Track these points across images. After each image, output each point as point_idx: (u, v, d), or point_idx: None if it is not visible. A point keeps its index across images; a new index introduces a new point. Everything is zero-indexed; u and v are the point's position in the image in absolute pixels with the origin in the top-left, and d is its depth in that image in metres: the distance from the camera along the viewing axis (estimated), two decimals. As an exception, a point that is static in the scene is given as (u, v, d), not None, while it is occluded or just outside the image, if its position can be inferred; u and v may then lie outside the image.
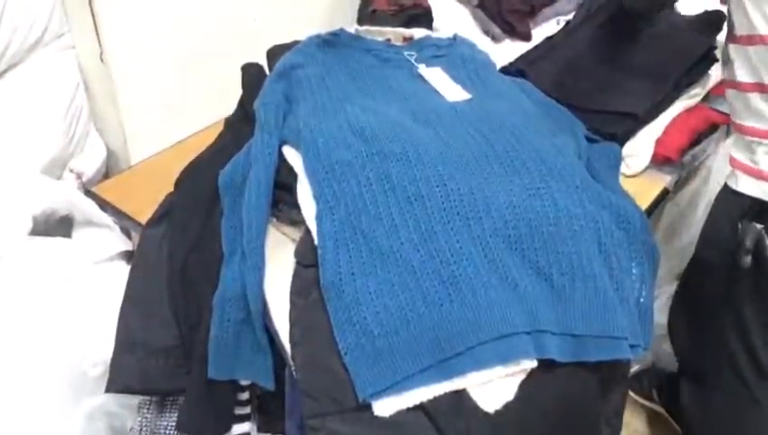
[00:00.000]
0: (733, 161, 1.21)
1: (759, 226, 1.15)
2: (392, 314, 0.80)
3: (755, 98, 1.14)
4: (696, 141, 1.39)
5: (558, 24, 1.64)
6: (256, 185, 0.98)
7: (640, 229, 0.98)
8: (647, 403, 1.72)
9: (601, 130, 1.23)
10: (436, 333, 0.79)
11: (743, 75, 1.16)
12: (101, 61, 1.35)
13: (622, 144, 1.27)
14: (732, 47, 1.18)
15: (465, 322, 0.79)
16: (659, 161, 1.33)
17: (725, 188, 1.23)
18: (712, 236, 1.29)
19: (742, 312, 1.24)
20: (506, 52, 1.53)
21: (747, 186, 1.16)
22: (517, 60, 1.45)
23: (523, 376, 0.80)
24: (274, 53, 1.27)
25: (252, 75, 1.25)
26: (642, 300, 0.92)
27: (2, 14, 1.23)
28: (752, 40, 1.12)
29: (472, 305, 0.80)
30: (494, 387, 0.79)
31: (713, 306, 1.30)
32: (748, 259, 1.16)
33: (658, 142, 1.32)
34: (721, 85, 1.34)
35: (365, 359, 0.79)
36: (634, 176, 1.32)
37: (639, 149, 1.30)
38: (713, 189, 1.53)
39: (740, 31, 1.14)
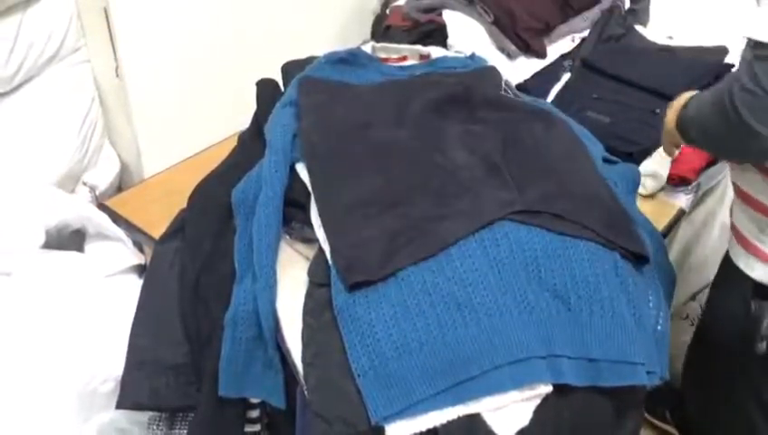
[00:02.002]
0: (738, 236, 1.06)
1: None
2: (406, 337, 0.80)
3: None
4: (712, 162, 1.37)
5: (573, 41, 1.63)
6: (265, 206, 0.98)
7: (657, 254, 0.97)
8: (659, 424, 1.70)
9: (618, 149, 1.23)
10: (451, 356, 0.78)
11: None
12: (117, 75, 1.35)
13: (638, 163, 1.26)
14: None
15: (479, 345, 0.79)
16: (676, 182, 1.32)
17: (734, 267, 1.07)
18: (722, 316, 1.16)
19: (760, 389, 1.15)
20: (521, 69, 1.52)
21: (764, 274, 1.02)
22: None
23: (538, 401, 0.79)
24: (290, 69, 1.28)
25: (266, 91, 1.25)
26: (659, 327, 0.91)
27: (19, 28, 1.24)
28: None
29: (487, 329, 0.80)
30: (508, 412, 0.78)
31: (728, 381, 1.21)
32: (764, 345, 1.05)
33: (675, 163, 1.31)
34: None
35: (378, 381, 0.78)
36: (650, 196, 1.31)
37: (656, 169, 1.29)
38: (728, 209, 1.52)
39: None
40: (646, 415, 1.68)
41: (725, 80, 0.92)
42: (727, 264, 1.10)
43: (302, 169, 1.03)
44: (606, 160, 1.13)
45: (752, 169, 1.00)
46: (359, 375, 0.79)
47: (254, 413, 1.00)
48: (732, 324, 1.10)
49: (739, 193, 1.05)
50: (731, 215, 1.10)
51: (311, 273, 0.94)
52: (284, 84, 1.26)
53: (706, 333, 1.25)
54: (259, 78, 1.28)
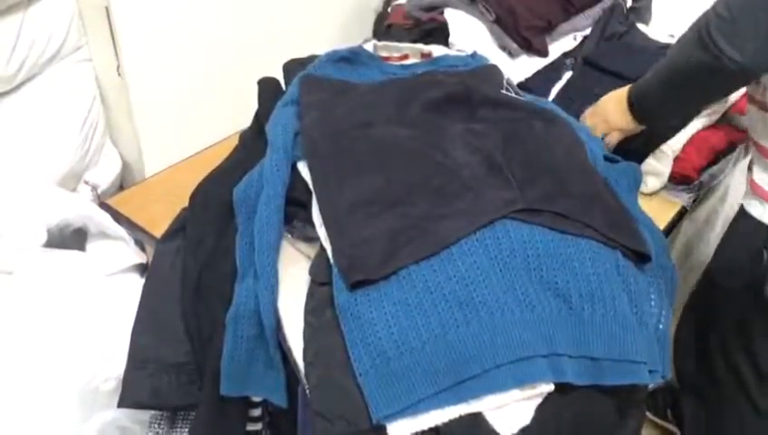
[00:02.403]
0: (755, 187, 1.14)
1: None
2: (407, 336, 0.80)
3: None
4: (714, 160, 1.37)
5: (575, 39, 1.63)
6: (267, 205, 0.97)
7: (659, 252, 0.97)
8: (661, 422, 1.70)
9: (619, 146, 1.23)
10: (452, 355, 0.78)
11: None
12: (118, 74, 1.35)
13: (640, 162, 1.26)
14: None
15: (481, 344, 0.79)
16: (678, 180, 1.32)
17: (746, 214, 1.16)
18: (731, 264, 1.23)
19: (753, 338, 1.21)
20: (523, 67, 1.52)
21: None
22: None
23: (539, 400, 0.79)
24: (291, 68, 1.27)
25: (268, 90, 1.25)
26: (661, 326, 0.91)
27: (21, 26, 1.24)
28: None
29: (488, 327, 0.80)
30: (510, 411, 0.78)
31: (723, 329, 1.28)
32: None
33: (677, 161, 1.31)
34: (741, 102, 1.33)
35: (380, 380, 0.78)
36: (652, 194, 1.31)
37: (658, 167, 1.29)
38: (730, 207, 1.52)
39: None
40: (647, 413, 1.68)
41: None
42: (741, 217, 1.18)
43: (303, 168, 1.03)
44: (607, 159, 1.13)
45: None
46: (360, 374, 0.79)
47: (256, 412, 1.01)
48: (740, 273, 1.16)
49: (759, 149, 1.14)
50: (749, 171, 1.17)
51: (312, 272, 0.94)
52: (286, 83, 1.26)
53: (711, 281, 1.30)
54: (260, 77, 1.28)
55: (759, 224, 1.12)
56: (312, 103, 1.11)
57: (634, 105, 1.16)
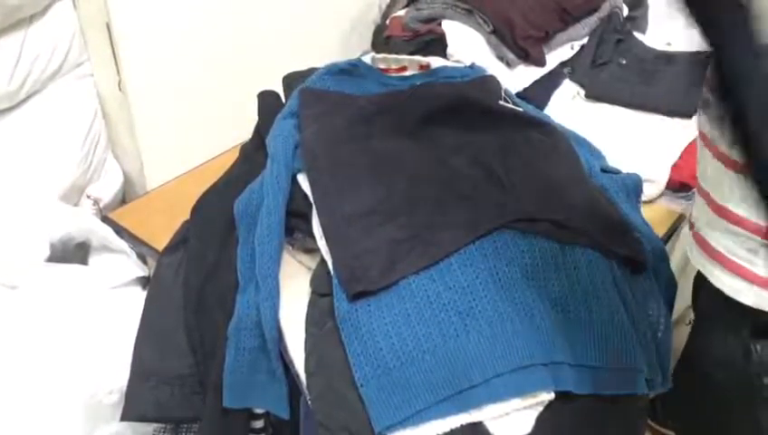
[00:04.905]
0: (730, 264, 0.83)
1: None
2: (408, 346, 0.80)
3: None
4: (712, 167, 1.38)
5: (572, 48, 1.64)
6: (267, 216, 0.98)
7: (658, 261, 0.98)
8: (662, 431, 1.69)
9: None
10: (453, 364, 0.79)
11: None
12: (119, 89, 1.36)
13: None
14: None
15: (481, 353, 0.79)
16: (675, 187, 1.32)
17: (722, 297, 0.85)
18: (722, 359, 0.96)
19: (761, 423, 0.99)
20: (521, 77, 1.53)
21: (758, 299, 0.81)
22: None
23: (540, 408, 0.80)
24: (291, 80, 1.29)
25: (268, 103, 1.26)
26: (660, 334, 0.91)
27: (23, 43, 1.25)
28: None
29: (488, 337, 0.80)
30: (511, 419, 0.79)
31: (726, 415, 1.04)
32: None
33: (674, 168, 1.31)
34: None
35: (381, 390, 0.78)
36: (650, 202, 1.31)
37: (655, 174, 1.29)
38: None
39: None
40: (650, 422, 1.68)
41: None
42: (715, 300, 0.88)
43: (303, 180, 1.04)
44: (606, 171, 1.13)
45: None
46: (361, 385, 0.79)
47: (258, 423, 1.01)
48: (733, 367, 0.93)
49: (723, 213, 0.83)
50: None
51: (313, 283, 0.95)
52: (285, 96, 1.27)
53: (702, 374, 1.03)
54: (260, 90, 1.29)
55: (738, 305, 0.83)
56: (312, 116, 1.12)
57: None
